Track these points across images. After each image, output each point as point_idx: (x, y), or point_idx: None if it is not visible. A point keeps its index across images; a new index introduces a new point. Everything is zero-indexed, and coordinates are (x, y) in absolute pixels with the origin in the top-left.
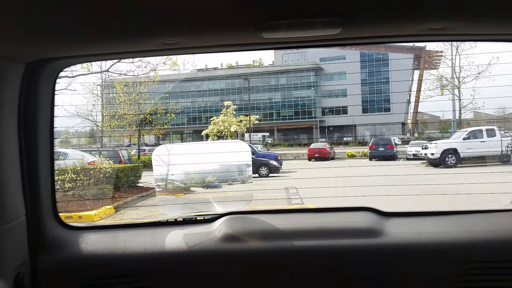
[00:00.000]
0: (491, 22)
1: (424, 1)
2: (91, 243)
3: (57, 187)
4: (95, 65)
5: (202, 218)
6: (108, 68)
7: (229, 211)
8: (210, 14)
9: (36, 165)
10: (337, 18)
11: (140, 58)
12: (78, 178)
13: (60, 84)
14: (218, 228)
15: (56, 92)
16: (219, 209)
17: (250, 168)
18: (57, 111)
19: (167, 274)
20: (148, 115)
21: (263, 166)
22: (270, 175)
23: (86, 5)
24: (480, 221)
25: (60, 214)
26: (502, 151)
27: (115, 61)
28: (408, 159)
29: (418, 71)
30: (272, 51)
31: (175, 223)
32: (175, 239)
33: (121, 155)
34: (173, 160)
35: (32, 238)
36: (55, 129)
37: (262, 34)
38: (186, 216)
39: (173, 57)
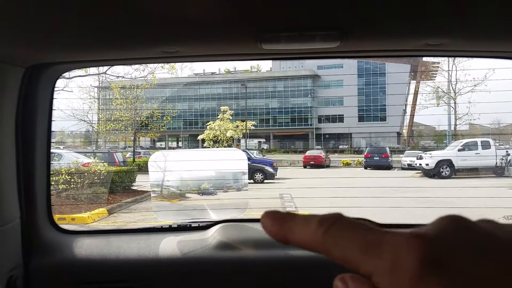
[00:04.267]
0: (487, 39)
1: (422, 18)
2: (85, 247)
3: (51, 189)
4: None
5: (197, 225)
6: (106, 70)
7: (224, 218)
8: (210, 25)
9: (32, 169)
10: (336, 32)
11: None
12: (72, 180)
13: (56, 86)
14: (212, 235)
15: (54, 96)
16: (214, 216)
17: (246, 176)
18: (53, 113)
19: (160, 280)
20: (145, 118)
21: (258, 172)
22: (265, 181)
23: (87, 11)
24: None
25: (52, 214)
26: (496, 163)
27: None
28: (403, 168)
29: (415, 81)
30: None
31: (169, 229)
32: (169, 246)
33: (116, 158)
34: (169, 166)
35: (26, 241)
36: (51, 132)
37: (261, 45)
38: (180, 222)
39: None
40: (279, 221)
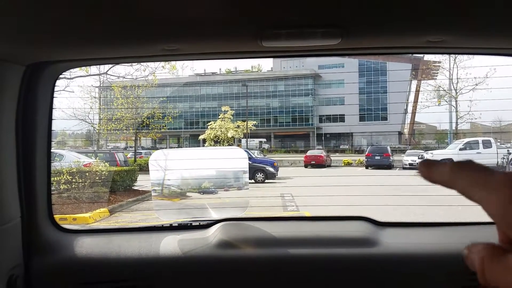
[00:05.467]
0: (489, 36)
1: (422, 14)
2: (86, 246)
3: (52, 188)
4: (94, 67)
5: (198, 224)
6: (107, 71)
7: (225, 217)
8: (211, 22)
9: (33, 168)
10: (337, 29)
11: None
12: (74, 180)
13: (58, 85)
14: (213, 234)
15: (54, 95)
16: (214, 215)
17: (247, 175)
18: (54, 113)
19: (161, 279)
20: (146, 119)
21: (259, 172)
22: (266, 181)
23: (87, 9)
24: (474, 233)
25: (54, 216)
26: (497, 162)
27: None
28: (404, 168)
29: (416, 81)
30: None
31: (170, 228)
32: (170, 245)
33: (117, 158)
34: (170, 165)
35: (26, 240)
36: (52, 130)
37: (262, 42)
38: (181, 221)
39: (172, 62)
40: (427, 166)
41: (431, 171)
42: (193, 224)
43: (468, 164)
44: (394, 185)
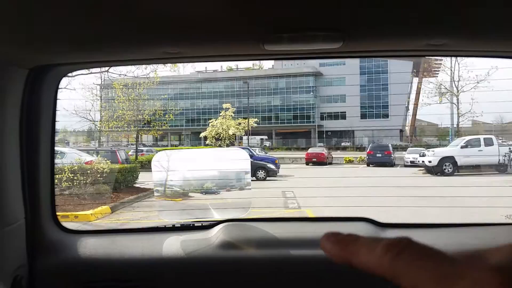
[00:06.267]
0: (489, 39)
1: (423, 19)
2: (89, 247)
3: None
4: None
5: (200, 224)
6: (108, 69)
7: (227, 218)
8: (212, 26)
9: (36, 169)
10: (338, 33)
11: None
12: (75, 178)
13: (60, 87)
14: (215, 235)
15: (57, 97)
16: (217, 216)
17: (249, 176)
18: (57, 112)
19: (164, 280)
20: (147, 116)
21: (260, 169)
22: (268, 178)
23: (89, 13)
24: (475, 234)
25: (56, 213)
26: (499, 160)
27: None
28: (405, 166)
29: (417, 78)
30: None
31: (173, 228)
32: (172, 245)
33: (118, 156)
34: (172, 166)
35: (30, 241)
36: (55, 133)
37: (264, 46)
38: (184, 222)
39: None
40: (340, 244)
41: (349, 252)
42: (196, 225)
43: (414, 247)
44: (395, 183)
